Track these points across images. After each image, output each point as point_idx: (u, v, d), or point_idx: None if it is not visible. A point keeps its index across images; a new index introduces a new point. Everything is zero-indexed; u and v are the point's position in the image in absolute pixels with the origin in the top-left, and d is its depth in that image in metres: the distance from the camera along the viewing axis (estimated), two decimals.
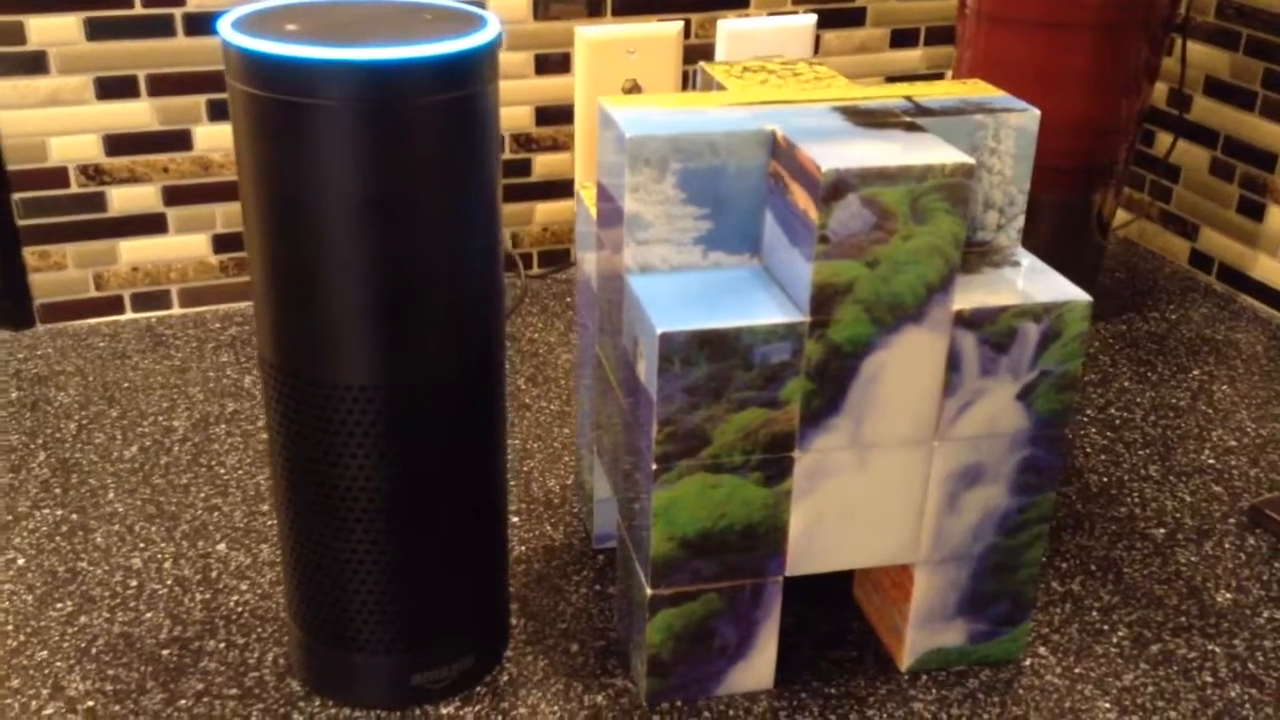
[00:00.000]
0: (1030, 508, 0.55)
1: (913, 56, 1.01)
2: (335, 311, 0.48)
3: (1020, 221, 0.56)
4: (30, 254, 0.85)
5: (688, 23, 0.93)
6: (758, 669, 0.56)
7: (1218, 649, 0.59)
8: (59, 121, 0.82)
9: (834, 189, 0.47)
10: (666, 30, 0.93)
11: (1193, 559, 0.66)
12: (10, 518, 0.67)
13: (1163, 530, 0.68)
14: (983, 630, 0.57)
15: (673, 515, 0.51)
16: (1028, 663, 0.58)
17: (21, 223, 0.84)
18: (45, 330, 0.87)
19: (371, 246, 0.47)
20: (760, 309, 0.50)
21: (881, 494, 0.53)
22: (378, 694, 0.54)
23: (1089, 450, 0.76)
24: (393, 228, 0.47)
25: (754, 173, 0.52)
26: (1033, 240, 0.89)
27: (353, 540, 0.51)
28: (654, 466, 0.50)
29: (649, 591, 0.53)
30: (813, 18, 0.96)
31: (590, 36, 0.91)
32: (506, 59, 0.90)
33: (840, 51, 0.99)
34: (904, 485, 0.53)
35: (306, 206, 0.46)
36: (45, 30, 0.80)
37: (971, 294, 0.51)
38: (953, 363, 0.51)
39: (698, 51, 0.95)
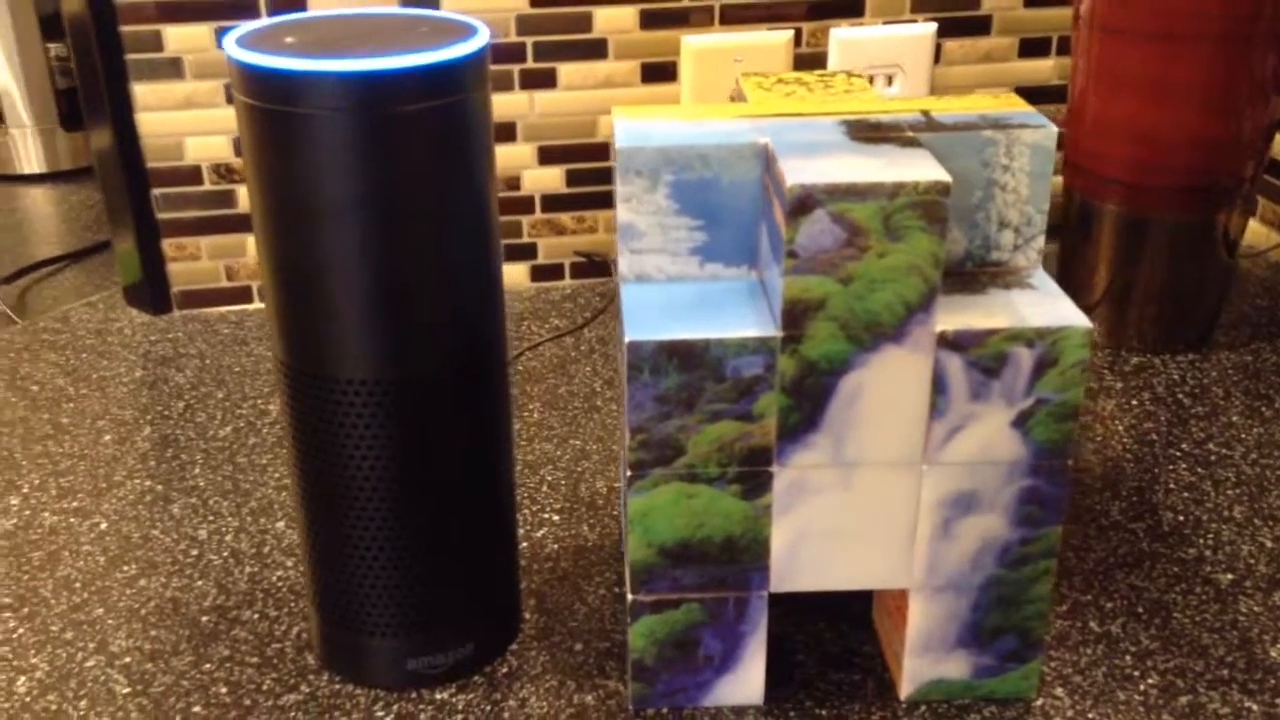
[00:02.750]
0: (1034, 541, 0.53)
1: (1043, 67, 0.97)
2: (336, 309, 0.51)
3: (1040, 242, 0.54)
4: (168, 245, 0.92)
5: (799, 31, 0.93)
6: (746, 683, 0.56)
7: (1255, 707, 0.55)
8: (193, 123, 0.89)
9: (800, 204, 0.47)
10: (775, 39, 0.92)
11: (1255, 609, 0.61)
12: (105, 485, 0.73)
13: (1230, 576, 0.64)
14: (988, 665, 0.55)
15: (650, 522, 0.52)
16: (1039, 703, 0.56)
17: (161, 216, 0.91)
18: (180, 316, 0.94)
19: (367, 246, 0.50)
20: (735, 322, 0.50)
21: (869, 515, 0.52)
22: (377, 675, 0.57)
23: (1172, 486, 0.71)
24: (386, 228, 0.49)
25: (750, 185, 0.52)
26: (1147, 261, 0.84)
27: (355, 528, 0.54)
28: (629, 473, 0.51)
29: (630, 597, 0.53)
30: (932, 26, 0.94)
31: (696, 45, 0.92)
32: (611, 68, 0.92)
33: (964, 61, 0.96)
34: (892, 508, 0.52)
35: (304, 209, 0.49)
36: (181, 39, 0.86)
37: (959, 315, 0.50)
38: (938, 385, 0.50)
39: (809, 60, 0.94)
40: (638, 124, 0.54)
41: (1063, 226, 0.89)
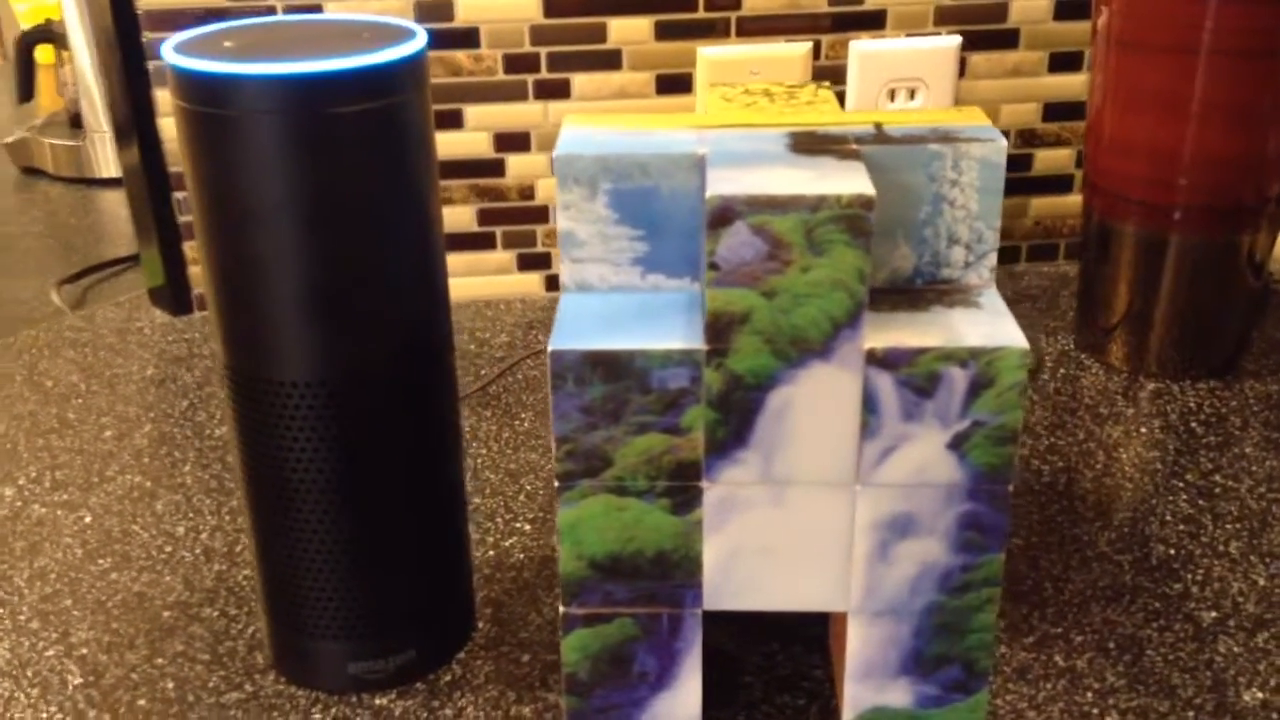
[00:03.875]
0: (975, 568, 0.51)
1: (1074, 82, 0.94)
2: (273, 311, 0.51)
3: (992, 260, 0.52)
4: (190, 248, 0.94)
5: (818, 44, 0.92)
6: (683, 702, 0.55)
7: None
8: None
9: (720, 214, 0.46)
10: (793, 51, 0.91)
11: (1235, 650, 0.58)
12: (97, 479, 0.74)
13: (1214, 614, 0.61)
14: (932, 695, 0.54)
15: (579, 534, 0.51)
16: None
17: (183, 220, 0.93)
18: (200, 317, 0.96)
19: (300, 248, 0.50)
20: (663, 333, 0.49)
21: (802, 535, 0.51)
22: (319, 677, 0.57)
23: (1169, 518, 0.68)
24: (318, 230, 0.50)
25: (690, 196, 0.51)
26: (1168, 284, 0.81)
27: (297, 530, 0.54)
28: (556, 484, 0.50)
29: (561, 609, 0.53)
30: (956, 39, 0.92)
31: (711, 56, 0.91)
32: (626, 79, 0.91)
33: (989, 75, 0.94)
34: (826, 528, 0.51)
35: (237, 211, 0.50)
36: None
37: (890, 333, 0.48)
38: (869, 404, 0.48)
39: (828, 73, 0.92)
40: (581, 131, 0.53)
41: (1081, 247, 0.87)
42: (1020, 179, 0.98)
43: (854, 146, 0.50)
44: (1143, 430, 0.77)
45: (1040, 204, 0.99)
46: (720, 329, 0.48)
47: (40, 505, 0.72)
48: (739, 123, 0.54)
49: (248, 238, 0.50)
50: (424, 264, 0.53)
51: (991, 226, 0.51)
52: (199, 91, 0.48)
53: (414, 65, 0.50)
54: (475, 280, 0.95)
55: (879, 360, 0.48)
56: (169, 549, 0.68)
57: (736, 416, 0.49)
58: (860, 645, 0.53)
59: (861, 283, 0.46)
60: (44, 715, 0.56)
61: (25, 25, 1.61)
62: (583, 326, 0.50)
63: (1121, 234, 0.83)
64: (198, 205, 0.51)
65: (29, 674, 0.59)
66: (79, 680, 0.58)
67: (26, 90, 1.59)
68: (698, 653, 0.53)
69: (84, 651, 0.60)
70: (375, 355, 0.52)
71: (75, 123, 1.48)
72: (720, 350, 0.48)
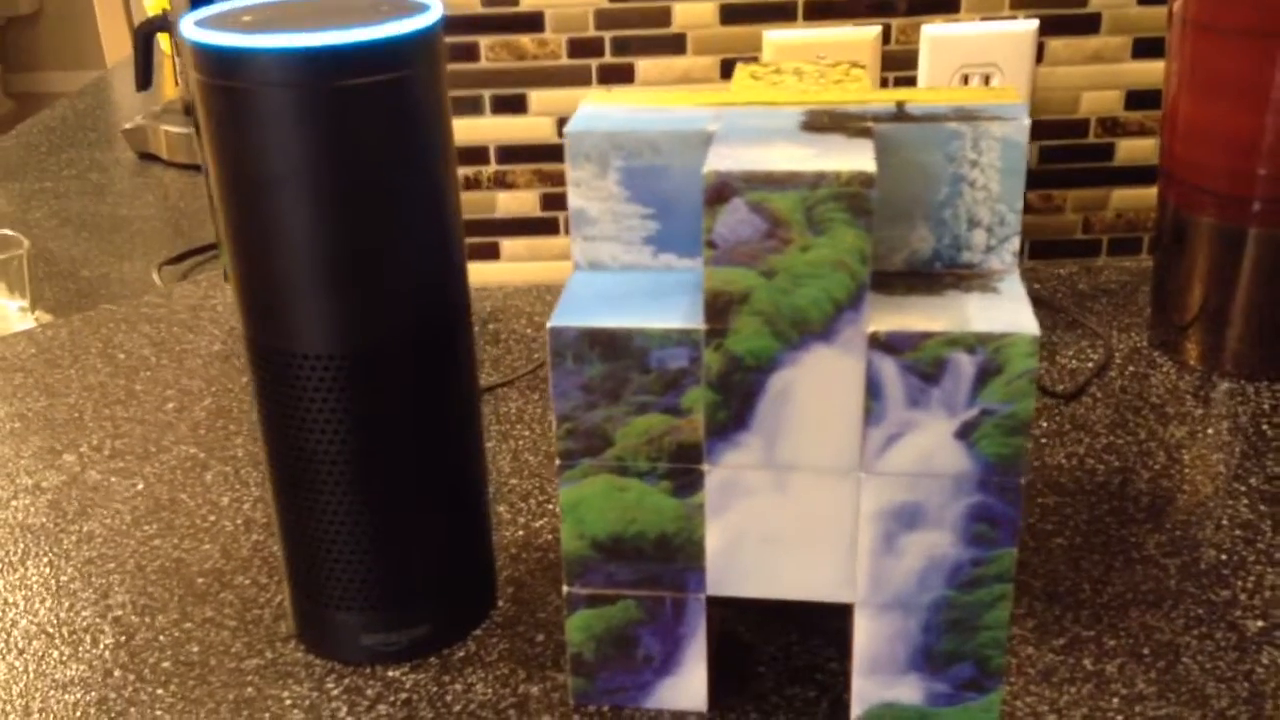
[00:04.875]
0: (986, 562, 0.49)
1: (1158, 69, 0.91)
2: (290, 284, 0.52)
3: (1015, 244, 0.50)
4: None
5: (887, 28, 0.90)
6: (689, 688, 0.54)
7: None
8: None
9: (717, 191, 0.45)
10: (862, 34, 0.89)
11: None
12: (154, 449, 0.77)
13: (1261, 624, 0.58)
14: (943, 692, 0.52)
15: (581, 513, 0.51)
16: None
17: None
18: None
19: (317, 221, 0.51)
20: (664, 312, 0.48)
21: (806, 522, 0.50)
22: (335, 647, 0.58)
23: (1224, 523, 0.65)
24: (334, 203, 0.50)
25: (701, 174, 0.50)
26: (1245, 279, 0.77)
27: (316, 501, 0.55)
28: (558, 462, 0.50)
29: (565, 589, 0.52)
30: (1033, 23, 0.89)
31: (777, 40, 0.89)
32: (690, 63, 0.90)
33: (1069, 61, 0.91)
34: (830, 515, 0.49)
35: (254, 184, 0.50)
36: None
37: (896, 316, 0.47)
38: (872, 389, 0.47)
39: (898, 58, 0.90)
40: (597, 108, 0.53)
41: (1155, 240, 0.83)
42: (1102, 169, 0.94)
43: (868, 125, 0.49)
44: (1209, 431, 0.74)
45: (1122, 195, 0.95)
46: (719, 309, 0.47)
47: (97, 472, 0.74)
48: (759, 100, 0.53)
49: (263, 210, 0.51)
50: (439, 237, 0.53)
51: (1014, 209, 0.49)
52: (213, 65, 0.49)
53: (426, 39, 0.50)
54: (536, 265, 0.96)
55: (882, 344, 0.46)
56: (212, 518, 0.69)
57: (737, 398, 0.48)
58: (867, 639, 0.51)
59: (863, 263, 0.45)
60: (72, 671, 0.58)
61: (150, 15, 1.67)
62: (586, 304, 0.49)
63: (1197, 226, 0.79)
64: (216, 179, 0.52)
65: (64, 632, 0.60)
66: (110, 640, 0.60)
67: (145, 78, 1.64)
68: (702, 638, 0.53)
69: (119, 613, 0.62)
70: (391, 328, 0.53)
71: (189, 110, 1.52)
72: (719, 330, 0.47)
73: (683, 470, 0.50)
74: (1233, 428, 0.74)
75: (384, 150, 0.50)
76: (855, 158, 0.45)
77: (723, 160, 0.45)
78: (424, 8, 0.51)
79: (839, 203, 0.44)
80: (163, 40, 1.76)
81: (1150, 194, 0.95)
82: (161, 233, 1.21)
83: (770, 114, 0.51)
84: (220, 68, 0.49)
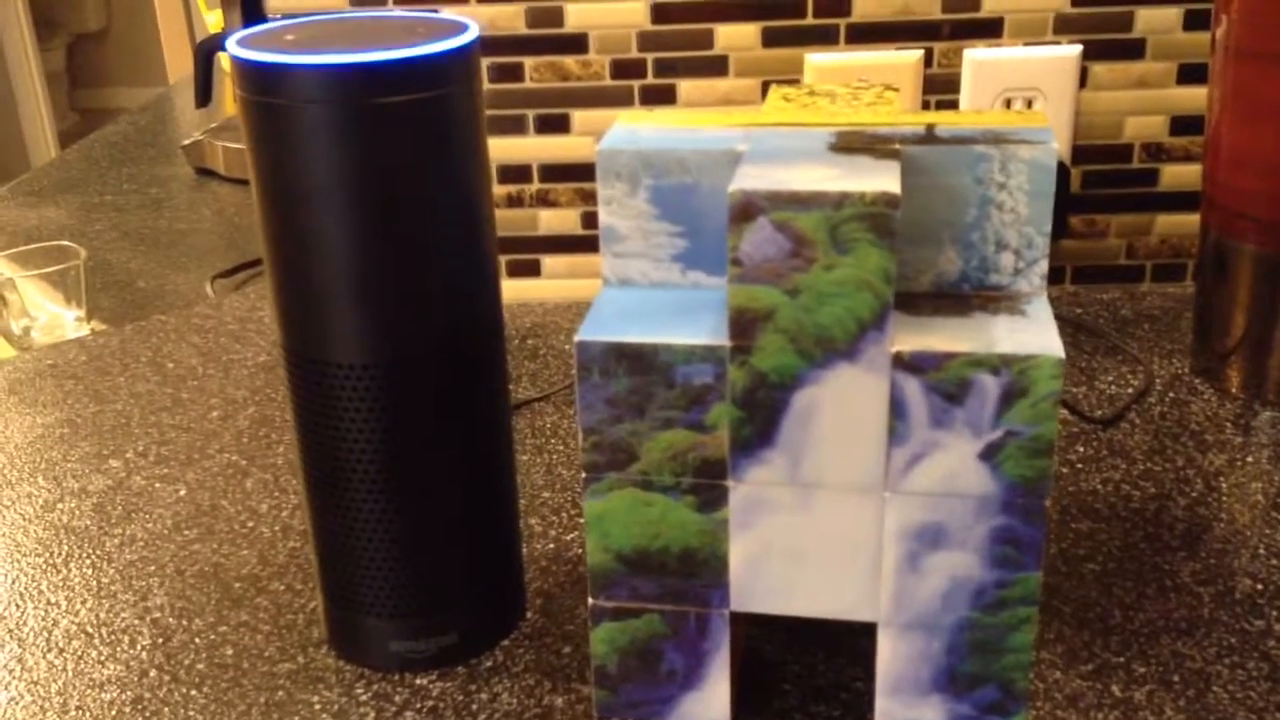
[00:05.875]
0: (1011, 585, 0.49)
1: (1202, 94, 0.90)
2: (326, 295, 0.53)
3: (1043, 267, 0.50)
4: None
5: (929, 51, 0.90)
6: (712, 704, 0.54)
7: None
8: None
9: (742, 210, 0.45)
10: (904, 58, 0.90)
11: None
12: (198, 456, 0.78)
13: None
14: (967, 715, 0.52)
15: (606, 527, 0.51)
16: None
17: None
18: None
19: (354, 234, 0.52)
20: (690, 328, 0.49)
21: (829, 540, 0.50)
22: (365, 653, 0.59)
23: (1261, 552, 0.65)
24: (371, 216, 0.51)
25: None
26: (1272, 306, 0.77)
27: (349, 509, 0.56)
28: (583, 475, 0.51)
29: (590, 601, 0.53)
30: (1077, 48, 0.89)
31: (819, 63, 0.90)
32: (732, 85, 0.91)
33: (1112, 86, 0.90)
34: (854, 534, 0.50)
35: (293, 198, 0.52)
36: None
37: (920, 336, 0.47)
38: (896, 409, 0.47)
39: (941, 82, 0.90)
40: (629, 128, 0.54)
41: (1198, 266, 0.82)
42: (1146, 194, 0.94)
43: (896, 147, 0.49)
44: (1249, 460, 0.73)
45: (1166, 221, 0.94)
46: (743, 326, 0.47)
47: (141, 478, 0.76)
48: (789, 121, 0.53)
49: (301, 223, 0.52)
50: (472, 250, 0.54)
51: (1042, 232, 0.50)
52: (254, 81, 0.50)
53: (463, 58, 0.51)
54: (576, 282, 0.97)
55: (906, 364, 0.47)
56: (250, 524, 0.71)
57: (761, 415, 0.48)
58: (890, 658, 0.52)
59: (887, 283, 0.45)
60: (109, 672, 0.59)
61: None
62: (613, 319, 0.50)
63: (1239, 252, 0.78)
64: (257, 192, 0.53)
65: (103, 633, 0.62)
66: (147, 642, 0.61)
67: (205, 95, 1.68)
68: (726, 654, 0.53)
69: (157, 615, 0.63)
70: (425, 339, 0.54)
71: None
72: (744, 347, 0.47)
73: (707, 486, 0.50)
74: (1273, 456, 0.73)
75: (420, 166, 0.51)
76: (880, 179, 0.45)
77: (749, 179, 0.46)
78: (462, 28, 0.52)
79: (863, 223, 0.45)
80: (222, 58, 1.80)
81: (1194, 220, 0.94)
82: (216, 246, 1.23)
83: (800, 135, 0.52)
84: (262, 84, 0.50)
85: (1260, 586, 0.62)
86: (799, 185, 0.45)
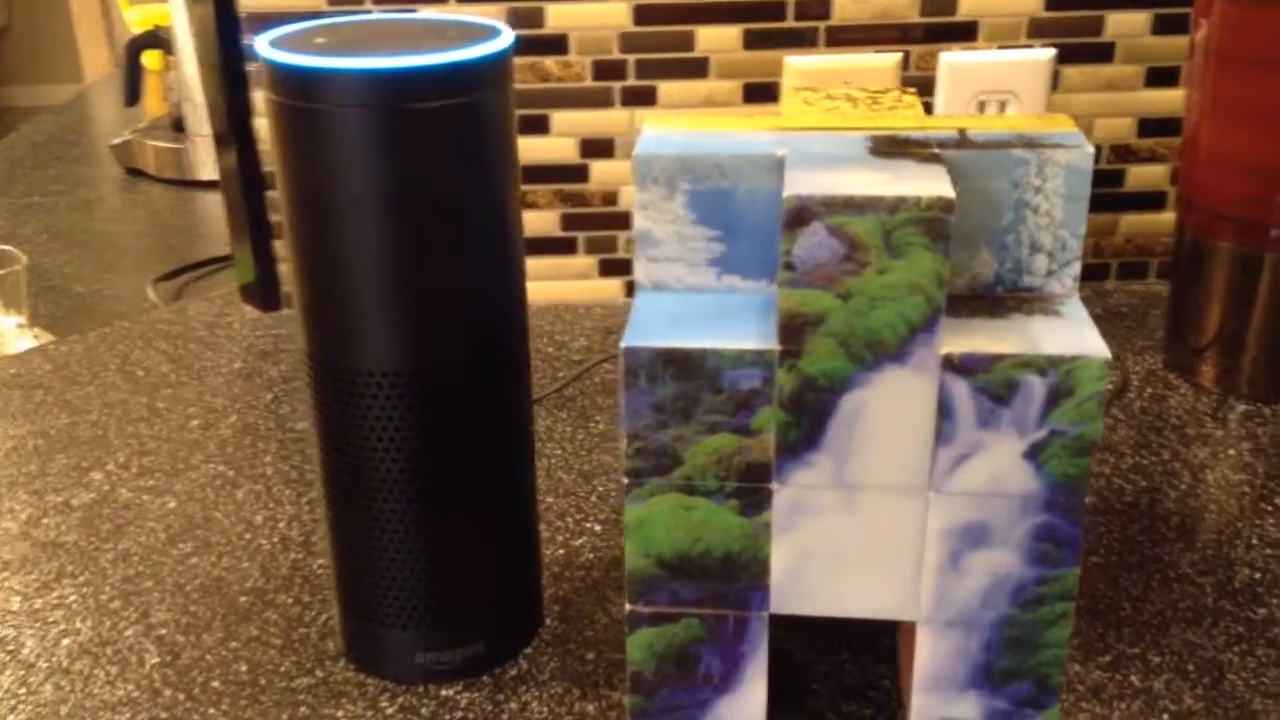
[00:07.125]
0: (1050, 581, 0.50)
1: (1171, 97, 0.92)
2: (354, 302, 0.52)
3: (1076, 268, 0.51)
4: (279, 246, 0.96)
5: (907, 55, 0.91)
6: (748, 706, 0.54)
7: None
8: None
9: (797, 215, 0.46)
10: (882, 61, 0.91)
11: None
12: (183, 467, 0.76)
13: None
14: (1002, 709, 0.53)
15: (647, 532, 0.51)
16: None
17: (274, 218, 0.95)
18: (288, 313, 0.98)
19: (382, 240, 0.51)
20: (736, 333, 0.49)
21: (873, 541, 0.50)
22: (388, 666, 0.58)
23: (1255, 542, 0.67)
24: (399, 222, 0.51)
25: (768, 197, 0.51)
26: (1262, 303, 0.79)
27: (371, 519, 0.55)
28: (625, 480, 0.51)
29: (628, 607, 0.53)
30: (1050, 52, 0.90)
31: (800, 66, 0.91)
32: (713, 87, 0.91)
33: (1083, 89, 0.92)
34: (897, 535, 0.50)
35: (322, 203, 0.51)
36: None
37: (968, 338, 0.48)
38: (944, 410, 0.48)
39: (917, 84, 0.92)
40: (662, 132, 0.54)
41: (1173, 265, 0.85)
42: (1113, 195, 0.96)
43: (935, 151, 0.50)
44: (1231, 452, 0.75)
45: (1132, 221, 0.97)
46: (794, 330, 0.47)
47: (127, 490, 0.74)
48: (819, 125, 0.54)
49: (331, 229, 0.51)
50: (502, 259, 0.54)
51: (1076, 235, 0.50)
52: (287, 85, 0.49)
53: (497, 63, 0.50)
54: (557, 284, 0.96)
55: (955, 366, 0.47)
56: (248, 536, 0.69)
57: (808, 419, 0.49)
58: (929, 656, 0.52)
59: (939, 287, 0.46)
60: (121, 692, 0.57)
61: (136, 32, 1.66)
62: (657, 324, 0.50)
63: (1215, 251, 0.81)
64: (285, 197, 0.52)
65: (109, 652, 0.60)
66: (156, 660, 0.59)
67: (134, 94, 1.64)
68: (763, 656, 0.53)
69: (162, 632, 0.61)
70: (454, 346, 0.53)
71: (178, 126, 1.52)
72: (793, 351, 0.48)
73: (750, 489, 0.50)
74: (1254, 449, 0.75)
75: (452, 171, 0.51)
76: (933, 183, 0.46)
77: (802, 184, 0.46)
78: (495, 33, 0.51)
79: (917, 227, 0.45)
80: (149, 57, 1.75)
81: (1159, 219, 0.97)
82: (152, 248, 1.20)
83: (834, 139, 0.52)
84: (295, 88, 0.49)
85: (1258, 575, 0.64)
86: (853, 190, 0.45)
